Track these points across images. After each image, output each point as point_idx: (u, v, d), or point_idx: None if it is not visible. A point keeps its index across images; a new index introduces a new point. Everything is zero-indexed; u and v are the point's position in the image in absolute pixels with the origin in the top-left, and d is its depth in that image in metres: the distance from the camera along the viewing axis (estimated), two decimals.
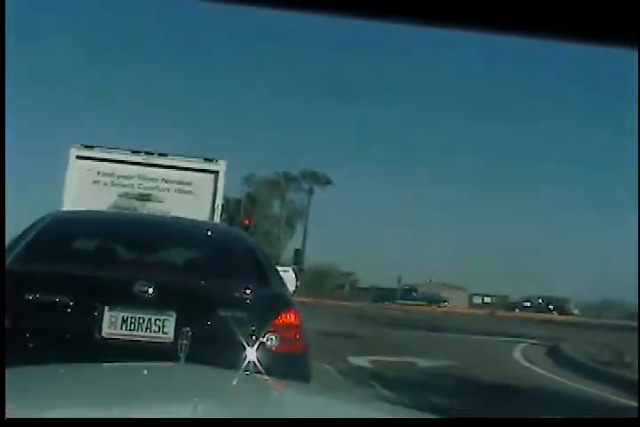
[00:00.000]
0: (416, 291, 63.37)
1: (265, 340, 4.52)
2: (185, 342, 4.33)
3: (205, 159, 15.54)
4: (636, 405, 6.78)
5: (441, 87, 79.48)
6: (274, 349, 4.55)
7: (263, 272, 5.09)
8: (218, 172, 15.27)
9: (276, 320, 4.62)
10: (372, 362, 12.01)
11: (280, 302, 4.87)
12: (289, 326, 4.67)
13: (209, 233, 5.80)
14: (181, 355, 4.17)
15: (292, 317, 4.71)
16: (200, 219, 10.02)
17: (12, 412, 0.81)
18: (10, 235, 5.27)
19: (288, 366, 4.47)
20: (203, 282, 4.82)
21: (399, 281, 65.66)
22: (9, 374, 2.12)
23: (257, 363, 4.41)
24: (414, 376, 10.73)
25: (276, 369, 4.23)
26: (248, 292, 4.68)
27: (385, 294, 60.40)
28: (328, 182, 68.75)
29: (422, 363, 12.39)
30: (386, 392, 8.64)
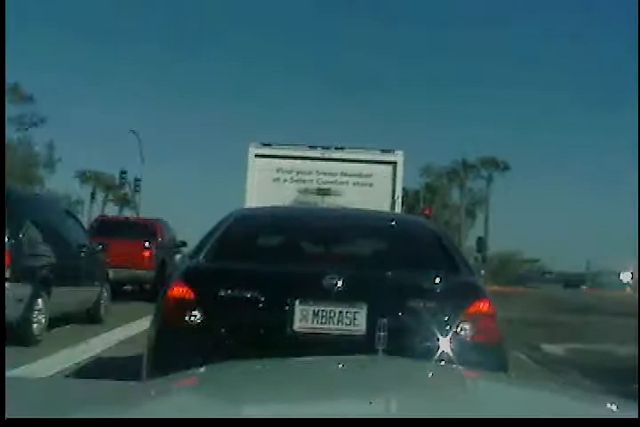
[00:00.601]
0: (617, 275, 61.04)
1: (458, 330, 4.39)
2: (382, 333, 4.26)
3: (382, 151, 15.53)
4: None
5: None
6: (468, 339, 4.41)
7: (452, 260, 4.95)
8: (396, 162, 15.23)
9: (469, 309, 4.47)
10: (567, 350, 11.61)
11: (472, 290, 4.71)
12: (483, 315, 4.51)
13: (393, 223, 5.72)
14: (379, 347, 4.10)
15: (486, 305, 4.55)
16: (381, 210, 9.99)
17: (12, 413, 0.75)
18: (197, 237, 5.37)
19: (484, 356, 4.32)
20: (391, 273, 4.73)
21: (588, 266, 63.77)
22: (208, 369, 2.09)
23: (451, 353, 4.28)
24: (614, 365, 10.26)
25: (471, 359, 4.10)
26: (438, 281, 4.55)
27: (573, 280, 58.63)
28: (507, 168, 67.56)
29: (622, 351, 11.85)
30: (586, 382, 8.29)
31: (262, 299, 4.43)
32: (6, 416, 0.76)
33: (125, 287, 19.13)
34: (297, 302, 4.43)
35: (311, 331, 4.41)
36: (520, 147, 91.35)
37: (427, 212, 29.78)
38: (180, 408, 1.53)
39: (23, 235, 9.66)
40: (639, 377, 7.93)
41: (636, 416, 0.74)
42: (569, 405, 1.76)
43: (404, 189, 16.65)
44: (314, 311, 4.43)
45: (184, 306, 4.42)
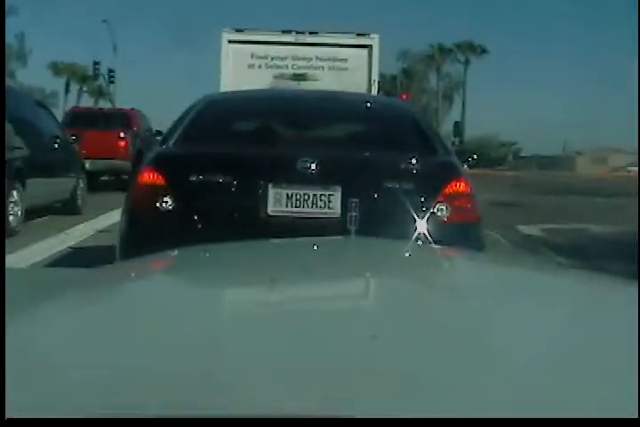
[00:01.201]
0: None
1: (435, 210, 4.35)
2: (354, 214, 4.22)
3: (358, 34, 15.25)
4: None
5: None
6: (445, 219, 4.38)
7: (428, 141, 4.87)
8: (371, 46, 15.00)
9: (446, 189, 4.43)
10: (543, 230, 11.73)
11: (448, 170, 4.65)
12: (459, 195, 4.47)
13: (369, 105, 5.61)
14: (351, 228, 4.06)
15: (463, 185, 4.50)
16: None
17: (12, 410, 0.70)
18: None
19: (460, 236, 4.30)
20: (367, 154, 4.66)
21: (564, 148, 64.01)
22: (181, 252, 2.05)
23: (428, 234, 4.26)
24: (587, 242, 10.42)
25: (448, 240, 4.07)
26: (414, 161, 4.49)
27: (549, 162, 58.95)
28: (484, 51, 66.91)
29: (595, 229, 12.01)
30: (561, 259, 8.40)
31: (234, 183, 4.36)
32: (6, 417, 0.71)
33: (102, 178, 19.05)
34: (270, 186, 4.36)
35: (285, 214, 4.37)
36: (497, 30, 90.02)
37: (404, 97, 29.52)
38: (155, 289, 1.49)
39: None
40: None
41: (636, 416, 0.69)
42: (548, 279, 1.73)
43: (381, 74, 16.44)
44: (287, 195, 4.37)
45: (155, 192, 4.35)
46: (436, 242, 4.09)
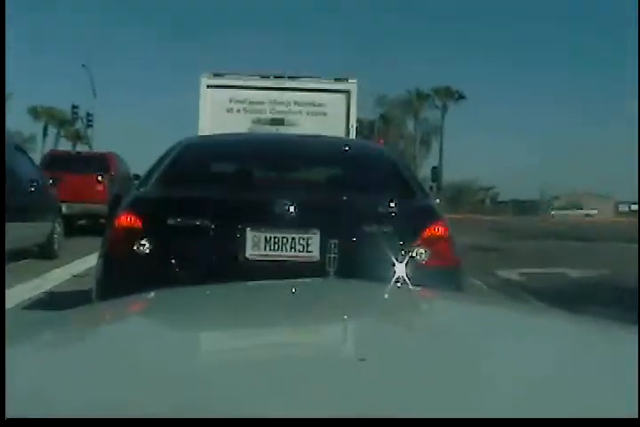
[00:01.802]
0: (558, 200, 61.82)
1: (414, 254, 4.34)
2: (332, 255, 4.20)
3: (336, 79, 15.39)
4: None
5: None
6: (424, 262, 4.37)
7: (406, 184, 4.88)
8: (349, 91, 15.12)
9: (425, 233, 4.42)
10: (521, 274, 11.75)
11: (427, 214, 4.65)
12: (438, 239, 4.46)
13: (347, 148, 5.62)
14: (330, 270, 4.04)
15: (441, 229, 4.49)
16: None
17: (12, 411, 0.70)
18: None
19: (439, 279, 4.28)
20: (345, 197, 4.65)
21: (541, 193, 64.48)
22: (160, 294, 2.03)
23: (406, 277, 4.24)
24: (566, 287, 10.42)
25: (427, 283, 4.05)
26: (392, 205, 4.49)
27: (527, 207, 59.30)
28: (461, 97, 67.62)
29: (573, 273, 12.04)
30: (541, 305, 8.39)
31: (212, 226, 4.34)
32: (6, 417, 0.69)
33: (80, 222, 18.95)
34: (248, 229, 4.34)
35: (264, 258, 4.34)
36: (474, 76, 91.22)
37: (381, 141, 29.71)
38: (130, 331, 1.47)
39: None
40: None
41: (636, 416, 0.69)
42: (527, 318, 1.72)
43: (358, 119, 16.55)
44: (266, 238, 4.35)
45: (131, 235, 4.31)
46: (414, 286, 4.07)
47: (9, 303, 7.57)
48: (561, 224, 35.13)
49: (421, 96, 68.92)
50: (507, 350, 1.19)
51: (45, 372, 1.07)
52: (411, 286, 3.74)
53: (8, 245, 10.19)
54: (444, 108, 68.51)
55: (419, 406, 0.85)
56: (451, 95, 67.89)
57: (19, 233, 10.69)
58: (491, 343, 1.28)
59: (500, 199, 70.33)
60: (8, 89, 52.59)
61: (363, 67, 70.92)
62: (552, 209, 57.99)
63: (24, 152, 13.01)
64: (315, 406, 0.87)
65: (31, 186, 11.79)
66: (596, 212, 52.63)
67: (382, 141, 28.71)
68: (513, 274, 11.83)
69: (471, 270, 9.31)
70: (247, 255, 4.34)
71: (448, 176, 58.34)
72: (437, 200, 5.24)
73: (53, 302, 7.85)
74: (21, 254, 11.40)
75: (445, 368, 1.06)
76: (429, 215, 4.62)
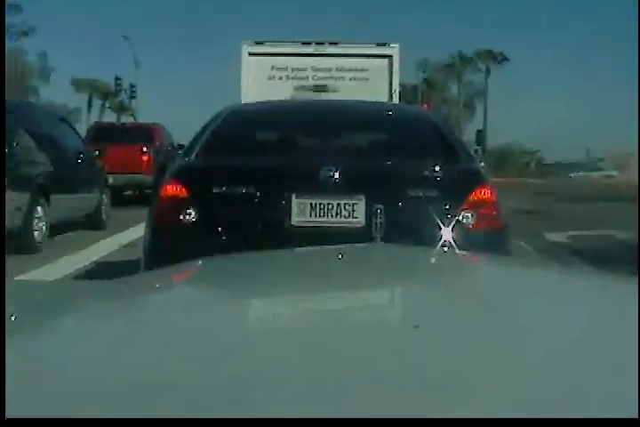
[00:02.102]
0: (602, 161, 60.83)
1: (460, 218, 4.31)
2: (378, 220, 4.19)
3: (377, 44, 15.25)
4: None
5: None
6: (470, 226, 4.34)
7: (451, 148, 4.83)
8: (392, 56, 14.98)
9: (471, 197, 4.39)
10: (568, 237, 11.63)
11: (473, 177, 4.61)
12: (484, 203, 4.43)
13: (390, 113, 5.58)
14: (376, 235, 4.03)
15: (487, 192, 4.46)
16: None
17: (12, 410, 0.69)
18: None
19: (486, 243, 4.26)
20: (390, 162, 4.63)
21: (587, 154, 63.69)
22: (207, 263, 2.03)
23: (453, 242, 4.22)
24: (614, 249, 10.30)
25: (473, 247, 4.03)
26: (437, 169, 4.45)
27: (572, 169, 58.57)
28: (505, 60, 66.73)
29: (621, 235, 11.89)
30: (587, 267, 8.31)
31: (257, 194, 4.34)
32: (7, 416, 0.69)
33: (126, 193, 19.11)
34: (293, 196, 4.34)
35: (309, 224, 4.35)
36: (517, 38, 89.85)
37: (425, 106, 29.46)
38: (177, 300, 1.47)
39: (17, 143, 9.55)
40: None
41: (636, 416, 0.68)
42: (574, 282, 1.69)
43: (401, 84, 16.40)
44: (311, 205, 4.35)
45: (177, 204, 4.34)
46: (461, 250, 4.04)
47: (59, 274, 7.69)
48: (608, 185, 34.67)
49: (464, 59, 68.12)
50: (549, 319, 1.17)
51: (89, 343, 1.07)
52: (457, 251, 3.72)
53: (57, 216, 10.32)
54: (488, 72, 67.76)
55: (480, 375, 0.84)
56: (494, 58, 67.03)
57: (67, 205, 10.82)
58: (536, 310, 1.26)
59: (545, 162, 69.52)
60: (51, 62, 52.95)
61: (404, 31, 70.21)
62: (579, 171, 56.97)
63: (69, 124, 13.13)
64: (373, 375, 0.86)
65: (77, 158, 11.90)
66: (616, 173, 51.77)
67: (427, 106, 28.48)
68: (560, 236, 11.72)
69: (518, 233, 9.24)
70: (293, 222, 4.34)
71: (492, 140, 57.86)
72: (482, 164, 5.19)
73: (102, 272, 7.95)
74: (70, 226, 11.54)
75: (497, 336, 1.05)
76: (475, 179, 4.58)
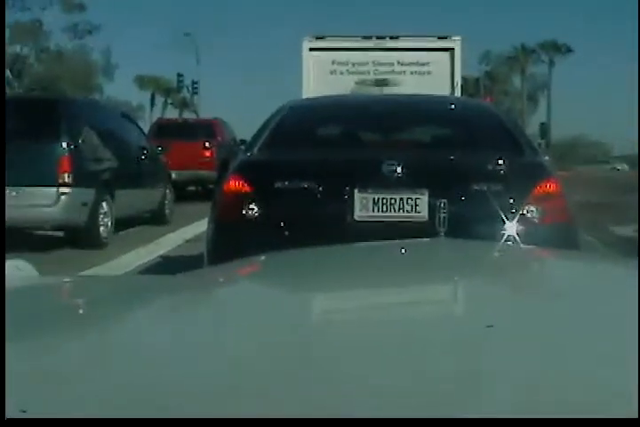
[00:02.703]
0: None
1: (525, 212, 4.25)
2: (441, 215, 4.15)
3: (439, 37, 15.13)
4: None
5: None
6: (536, 220, 4.27)
7: (515, 141, 4.77)
8: (453, 49, 14.85)
9: (536, 190, 4.32)
10: (636, 231, 11.40)
11: (537, 171, 4.54)
12: (550, 196, 4.36)
13: (453, 106, 5.53)
14: (440, 230, 4.00)
15: (553, 186, 4.39)
16: None
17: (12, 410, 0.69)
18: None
19: (553, 238, 4.19)
20: (453, 156, 4.58)
21: None
22: (270, 257, 2.03)
23: (518, 236, 4.16)
24: None
25: (540, 242, 3.97)
26: (501, 162, 4.39)
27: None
28: (569, 51, 65.80)
29: None
30: None
31: (320, 189, 4.34)
32: (6, 416, 0.69)
33: (189, 188, 19.27)
34: (356, 191, 4.33)
35: (372, 219, 4.33)
36: (582, 28, 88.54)
37: (487, 100, 29.19)
38: (242, 294, 1.47)
39: (82, 140, 9.69)
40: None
41: (636, 416, 0.66)
42: None
43: (463, 77, 16.26)
44: (374, 199, 4.33)
45: (240, 199, 4.35)
46: (526, 244, 3.98)
47: (126, 268, 7.79)
48: None
49: (527, 51, 67.31)
50: (622, 317, 1.14)
51: (154, 337, 1.07)
52: (522, 245, 3.67)
53: (121, 212, 10.45)
54: (551, 63, 66.89)
55: (559, 376, 0.82)
56: (558, 49, 66.12)
57: (131, 200, 10.95)
58: (609, 306, 1.23)
59: (612, 154, 68.45)
60: (114, 60, 53.60)
61: (466, 23, 69.65)
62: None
63: (133, 121, 13.28)
64: (444, 375, 0.84)
65: (141, 154, 12.03)
66: (623, 166, 50.65)
67: (490, 99, 28.23)
68: (627, 230, 11.51)
69: (584, 227, 9.10)
70: (355, 217, 4.33)
71: (557, 132, 57.17)
72: (547, 157, 5.11)
73: (166, 266, 8.03)
74: (134, 221, 11.67)
75: (573, 336, 1.02)
76: (540, 172, 4.51)
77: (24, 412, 0.71)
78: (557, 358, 0.90)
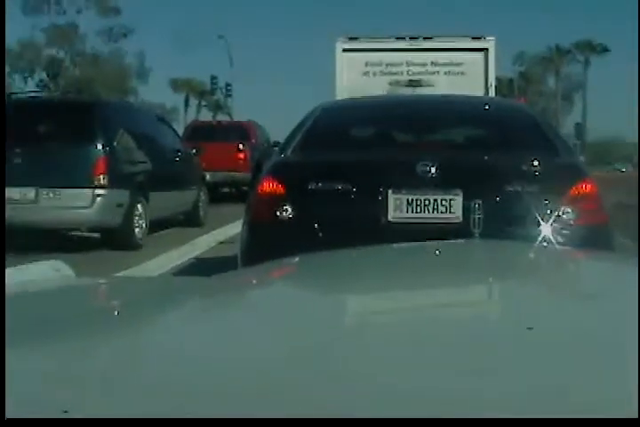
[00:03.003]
0: None
1: (560, 213, 4.22)
2: (476, 216, 4.13)
3: (473, 38, 15.06)
4: None
5: None
6: (571, 222, 4.24)
7: (550, 142, 4.73)
8: (487, 49, 14.78)
9: (572, 191, 4.29)
10: None
11: (573, 171, 4.51)
12: (586, 197, 4.32)
13: (487, 107, 5.51)
14: (475, 231, 3.98)
15: (588, 187, 4.35)
16: None
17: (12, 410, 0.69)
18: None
19: (589, 239, 4.16)
20: (487, 157, 4.56)
21: None
22: (305, 259, 2.03)
23: (553, 238, 4.13)
24: None
25: (575, 243, 3.95)
26: (536, 163, 4.36)
27: None
28: (605, 50, 65.22)
29: None
30: None
31: (354, 190, 4.33)
32: (6, 417, 0.70)
33: (223, 190, 19.34)
34: (390, 192, 4.32)
35: (406, 220, 4.32)
36: (618, 27, 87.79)
37: (522, 100, 29.02)
38: (277, 296, 1.47)
39: (117, 143, 9.76)
40: None
41: (636, 416, 0.66)
42: None
43: (497, 77, 16.17)
44: (408, 200, 4.32)
45: (274, 201, 4.36)
46: (562, 246, 3.95)
47: (160, 270, 7.83)
48: None
49: (562, 51, 66.87)
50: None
51: (189, 339, 1.07)
52: (557, 246, 3.64)
53: (156, 214, 10.51)
54: (587, 63, 66.40)
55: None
56: (593, 49, 65.62)
57: (166, 202, 11.01)
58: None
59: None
60: (148, 63, 53.85)
61: (500, 23, 69.34)
62: None
63: (167, 123, 13.35)
64: (488, 378, 0.83)
65: (175, 156, 12.09)
66: (627, 167, 50.02)
67: (524, 99, 28.06)
68: None
69: (620, 229, 9.01)
70: (390, 218, 4.32)
71: (593, 132, 56.70)
72: (582, 158, 5.07)
73: (201, 267, 8.06)
74: (169, 223, 11.74)
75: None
76: (575, 173, 4.48)
77: (66, 412, 0.72)
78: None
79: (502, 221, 4.18)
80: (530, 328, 0.99)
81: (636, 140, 66.34)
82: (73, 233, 10.16)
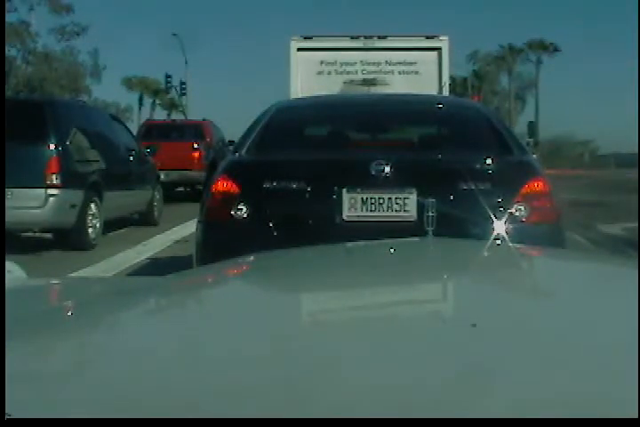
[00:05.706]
0: None
1: (513, 210, 4.27)
2: (430, 214, 4.15)
3: (426, 37, 15.15)
4: None
5: None
6: (524, 219, 4.29)
7: (503, 140, 4.78)
8: (441, 48, 14.88)
9: (524, 189, 4.34)
10: (624, 229, 11.46)
11: (526, 169, 4.56)
12: (538, 195, 4.38)
13: (440, 106, 5.54)
14: (428, 229, 4.00)
15: (541, 185, 4.40)
16: None
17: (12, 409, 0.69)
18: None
19: (540, 236, 4.21)
20: (440, 156, 4.59)
21: None
22: (259, 258, 2.03)
23: (506, 235, 4.17)
24: None
25: (527, 240, 3.98)
26: (490, 161, 4.41)
27: (629, 160, 57.66)
28: (556, 50, 65.90)
29: None
30: None
31: (308, 189, 4.34)
32: (7, 417, 0.70)
33: (177, 189, 19.25)
34: (344, 191, 4.33)
35: (361, 219, 4.33)
36: (568, 27, 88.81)
37: (475, 99, 29.22)
38: (231, 295, 1.47)
39: (70, 142, 9.66)
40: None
41: (636, 416, 0.67)
42: (632, 275, 1.66)
43: (451, 76, 16.29)
44: (362, 199, 4.33)
45: (229, 200, 4.36)
46: (514, 243, 3.99)
47: (115, 270, 7.78)
48: None
49: (515, 51, 67.40)
50: (613, 314, 1.14)
51: (144, 338, 1.07)
52: (510, 244, 3.67)
53: (110, 213, 10.43)
54: (539, 62, 67.00)
55: (541, 377, 0.82)
56: (545, 48, 66.20)
57: (120, 202, 10.93)
58: (596, 305, 1.23)
59: (599, 153, 68.51)
60: (102, 61, 53.40)
61: (453, 23, 69.81)
62: None
63: (121, 122, 13.25)
64: (432, 374, 0.84)
65: (130, 155, 12.01)
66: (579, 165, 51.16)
67: (477, 98, 28.27)
68: (615, 229, 11.54)
69: (572, 226, 9.13)
70: (344, 217, 4.33)
71: (545, 131, 57.26)
72: (535, 156, 5.12)
73: (156, 267, 8.02)
74: (123, 222, 11.66)
75: (560, 334, 1.02)
76: (528, 171, 4.53)
77: (9, 415, 0.71)
78: (556, 359, 0.90)
79: (456, 219, 4.21)
80: (474, 325, 1.00)
81: (586, 139, 67.18)
82: (25, 234, 10.04)
